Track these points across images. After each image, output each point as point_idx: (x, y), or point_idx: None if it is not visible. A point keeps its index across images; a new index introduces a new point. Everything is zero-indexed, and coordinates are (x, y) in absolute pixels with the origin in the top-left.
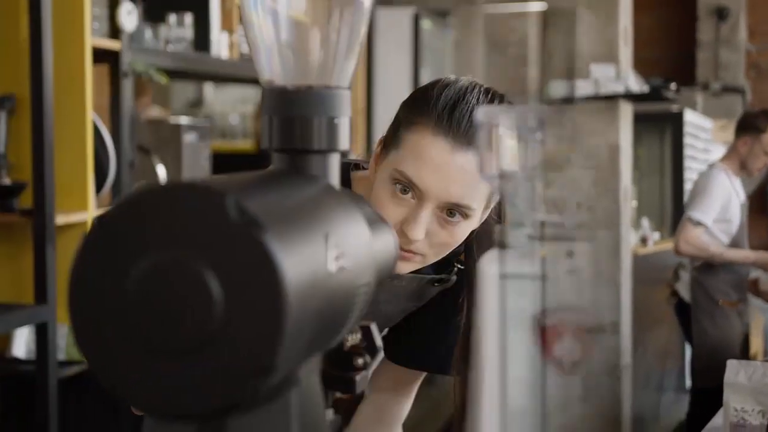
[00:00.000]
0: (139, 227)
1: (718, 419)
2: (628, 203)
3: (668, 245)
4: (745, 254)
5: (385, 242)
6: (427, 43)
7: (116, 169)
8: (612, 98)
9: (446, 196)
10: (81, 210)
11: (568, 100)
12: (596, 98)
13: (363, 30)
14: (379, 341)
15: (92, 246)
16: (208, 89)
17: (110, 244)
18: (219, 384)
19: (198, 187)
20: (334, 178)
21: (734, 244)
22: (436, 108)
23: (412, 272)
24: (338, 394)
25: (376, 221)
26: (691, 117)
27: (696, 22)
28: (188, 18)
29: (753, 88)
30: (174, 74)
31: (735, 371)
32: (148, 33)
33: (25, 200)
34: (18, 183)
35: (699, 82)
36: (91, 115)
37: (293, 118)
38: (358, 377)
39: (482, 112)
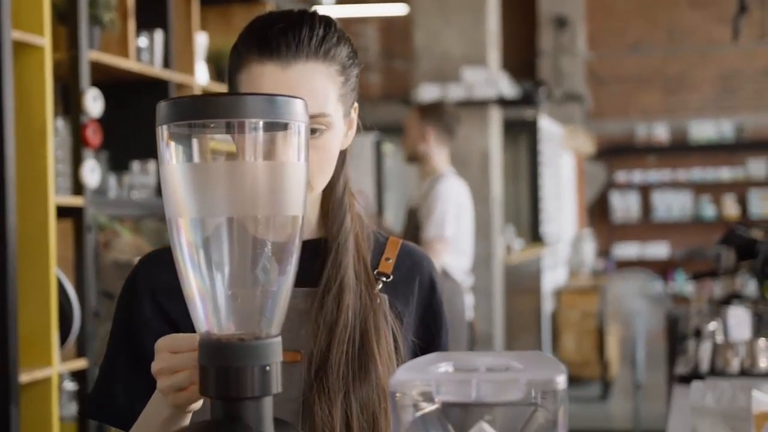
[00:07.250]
0: None
1: None
2: (499, 212)
3: (532, 252)
4: None
5: None
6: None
7: (81, 320)
8: (484, 103)
9: None
10: (45, 366)
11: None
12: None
13: (292, 276)
14: None
15: None
16: None
17: None
18: None
19: None
20: (267, 420)
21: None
22: (255, 37)
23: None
24: None
25: None
26: (544, 124)
27: (536, 30)
28: (152, 165)
29: (592, 96)
30: (140, 218)
31: (702, 393)
32: (112, 181)
33: None
34: None
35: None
36: (55, 271)
37: (228, 368)
38: None
39: None
